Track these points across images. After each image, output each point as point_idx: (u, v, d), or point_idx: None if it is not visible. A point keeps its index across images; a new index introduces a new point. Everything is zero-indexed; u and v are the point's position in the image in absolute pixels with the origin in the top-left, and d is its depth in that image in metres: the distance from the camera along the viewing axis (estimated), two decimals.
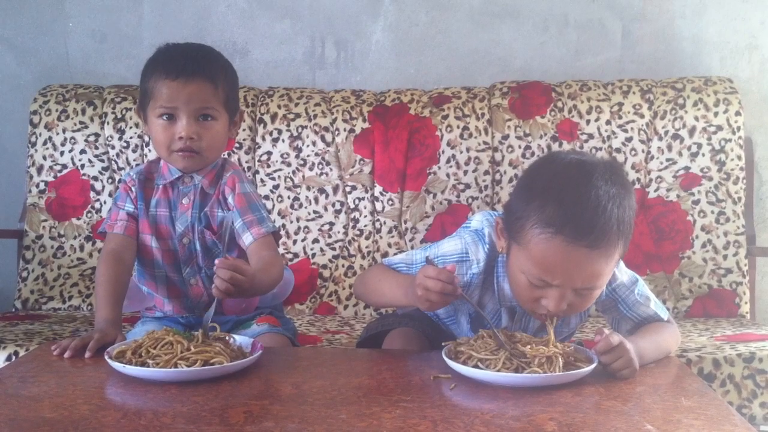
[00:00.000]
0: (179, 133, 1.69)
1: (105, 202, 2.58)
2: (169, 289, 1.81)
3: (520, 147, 2.54)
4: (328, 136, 2.60)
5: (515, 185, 1.56)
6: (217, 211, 1.77)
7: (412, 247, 1.86)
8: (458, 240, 1.60)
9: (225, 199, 1.77)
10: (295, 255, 2.55)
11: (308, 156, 2.59)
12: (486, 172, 2.55)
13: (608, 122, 2.56)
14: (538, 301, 1.45)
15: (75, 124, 2.64)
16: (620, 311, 1.62)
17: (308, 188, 2.59)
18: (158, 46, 1.78)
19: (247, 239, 1.71)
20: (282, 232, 2.55)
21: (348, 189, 2.58)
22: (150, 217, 1.79)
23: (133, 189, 1.81)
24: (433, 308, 1.47)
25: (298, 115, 2.62)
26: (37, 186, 2.63)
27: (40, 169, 2.63)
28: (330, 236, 2.56)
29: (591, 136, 2.55)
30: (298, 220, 2.57)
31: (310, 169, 2.59)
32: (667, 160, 2.53)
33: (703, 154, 2.52)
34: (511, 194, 1.54)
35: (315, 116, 2.61)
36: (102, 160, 2.62)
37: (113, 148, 2.62)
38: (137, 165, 2.07)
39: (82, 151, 2.63)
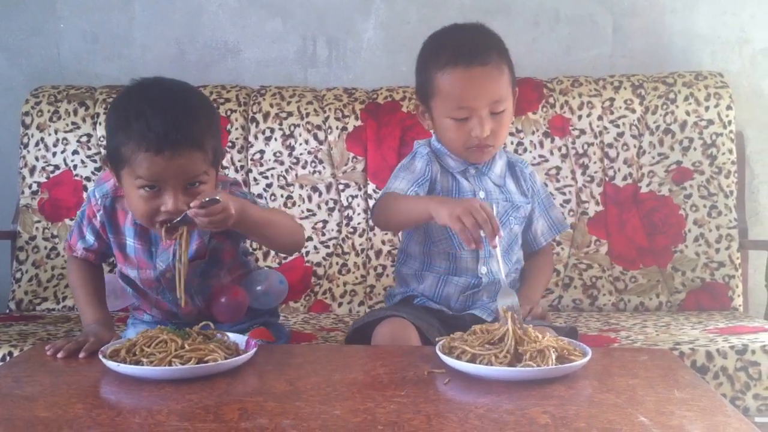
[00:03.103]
0: (165, 207, 1.48)
1: None
2: (158, 303, 1.73)
3: (512, 143, 2.54)
4: (321, 135, 2.60)
5: (415, 71, 1.89)
6: (203, 237, 1.63)
7: (406, 244, 1.90)
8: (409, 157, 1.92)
9: None
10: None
11: (301, 154, 2.59)
12: None
13: (600, 117, 2.56)
14: (468, 137, 1.78)
15: (67, 125, 2.63)
16: (542, 211, 1.96)
17: (301, 186, 2.59)
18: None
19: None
20: None
21: (341, 187, 2.59)
22: (124, 247, 1.65)
23: (98, 216, 1.64)
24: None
25: (290, 114, 2.62)
26: (30, 187, 2.62)
27: (32, 170, 2.63)
28: (324, 234, 2.56)
29: (583, 132, 2.56)
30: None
31: (303, 167, 2.59)
32: (659, 154, 2.54)
33: (695, 149, 2.53)
34: (415, 76, 1.89)
35: (307, 114, 2.61)
36: (94, 161, 2.62)
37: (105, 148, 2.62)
38: (102, 178, 1.69)
39: (75, 152, 2.62)
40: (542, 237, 1.97)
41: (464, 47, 1.79)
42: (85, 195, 2.58)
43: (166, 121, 1.45)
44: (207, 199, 1.42)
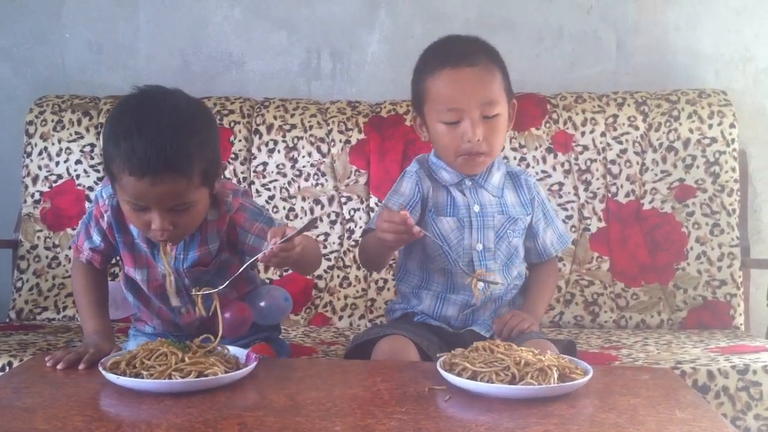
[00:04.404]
0: (153, 225, 1.50)
1: None
2: (160, 312, 1.73)
3: (515, 158, 2.54)
4: (324, 147, 2.60)
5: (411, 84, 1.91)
6: (209, 246, 1.64)
7: (404, 260, 1.92)
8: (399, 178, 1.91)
9: (228, 226, 1.65)
10: None
11: (304, 167, 2.59)
12: None
13: (603, 134, 2.57)
14: (460, 142, 1.75)
15: (71, 135, 2.64)
16: (547, 220, 1.92)
17: (304, 199, 2.59)
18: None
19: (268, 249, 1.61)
20: None
21: (343, 200, 2.59)
22: (132, 247, 1.65)
23: (105, 216, 1.64)
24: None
25: (293, 126, 2.62)
26: (33, 196, 2.63)
27: (35, 180, 2.63)
28: (325, 247, 2.56)
29: (586, 148, 2.56)
30: None
31: (306, 179, 2.59)
32: (662, 171, 2.54)
33: (698, 166, 2.53)
34: (411, 88, 1.91)
35: (311, 127, 2.62)
36: (97, 171, 2.62)
37: None
38: (107, 181, 1.62)
39: (78, 162, 2.62)
40: (552, 247, 1.93)
41: (452, 50, 1.80)
42: (87, 205, 2.58)
43: (150, 147, 1.43)
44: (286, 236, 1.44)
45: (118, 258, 1.75)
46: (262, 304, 1.69)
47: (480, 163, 1.79)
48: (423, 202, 1.83)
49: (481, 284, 1.78)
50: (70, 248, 2.57)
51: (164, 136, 1.44)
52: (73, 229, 2.59)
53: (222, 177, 1.65)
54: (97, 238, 1.67)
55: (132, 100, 1.52)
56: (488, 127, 1.75)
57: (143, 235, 1.62)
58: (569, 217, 2.52)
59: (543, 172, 2.54)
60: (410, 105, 2.63)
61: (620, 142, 2.56)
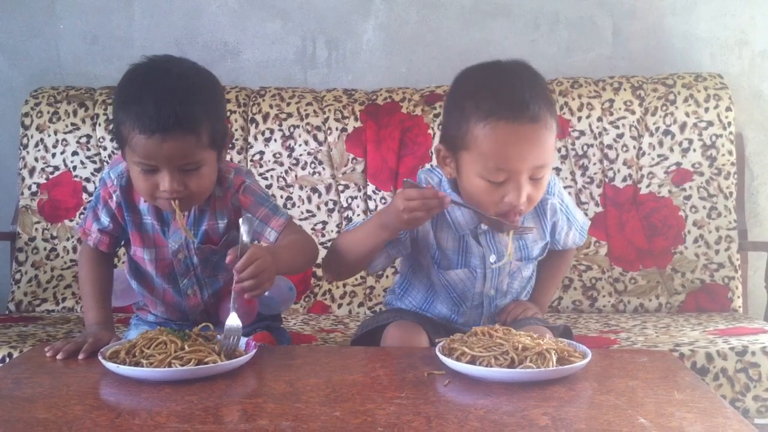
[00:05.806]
0: (162, 187, 1.52)
1: None
2: (165, 296, 1.75)
3: None
4: (321, 136, 2.60)
5: (443, 109, 1.70)
6: (218, 222, 1.67)
7: (410, 272, 1.89)
8: None
9: (233, 206, 1.67)
10: None
11: (301, 155, 2.59)
12: None
13: (600, 119, 2.56)
14: (500, 202, 1.55)
15: (67, 126, 2.63)
16: (570, 223, 1.78)
17: (301, 187, 2.59)
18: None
19: (271, 236, 1.64)
20: None
21: (341, 188, 2.59)
22: (141, 226, 1.67)
23: (114, 197, 1.66)
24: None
25: (290, 115, 2.62)
26: (30, 188, 2.62)
27: (32, 171, 2.63)
28: (323, 235, 2.56)
29: (582, 133, 2.56)
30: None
31: (303, 168, 2.59)
32: (659, 156, 2.54)
33: (695, 150, 2.53)
34: (444, 117, 1.69)
35: (307, 116, 2.62)
36: (94, 162, 2.62)
37: (105, 149, 2.62)
38: (117, 159, 1.68)
39: (74, 153, 2.62)
40: (573, 244, 1.85)
41: (512, 96, 1.52)
42: (84, 196, 2.58)
43: (159, 105, 1.47)
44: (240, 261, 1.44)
45: (121, 245, 1.76)
46: (267, 293, 1.70)
47: (516, 219, 1.60)
48: (423, 241, 1.70)
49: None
50: (68, 239, 2.58)
51: (173, 96, 1.49)
52: (71, 220, 2.59)
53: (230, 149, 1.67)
54: (105, 219, 1.68)
55: (140, 68, 1.57)
56: (533, 187, 1.56)
57: (152, 206, 1.64)
58: None
59: None
60: (406, 92, 2.65)
61: (617, 127, 2.56)
